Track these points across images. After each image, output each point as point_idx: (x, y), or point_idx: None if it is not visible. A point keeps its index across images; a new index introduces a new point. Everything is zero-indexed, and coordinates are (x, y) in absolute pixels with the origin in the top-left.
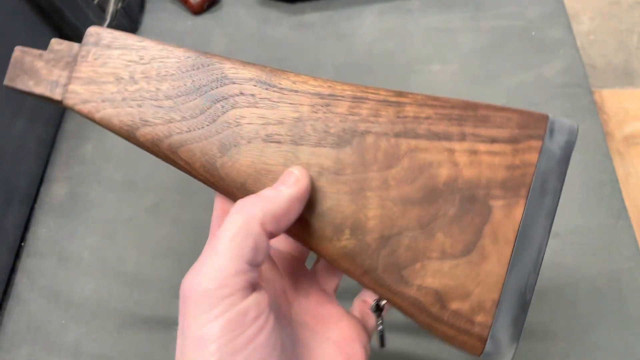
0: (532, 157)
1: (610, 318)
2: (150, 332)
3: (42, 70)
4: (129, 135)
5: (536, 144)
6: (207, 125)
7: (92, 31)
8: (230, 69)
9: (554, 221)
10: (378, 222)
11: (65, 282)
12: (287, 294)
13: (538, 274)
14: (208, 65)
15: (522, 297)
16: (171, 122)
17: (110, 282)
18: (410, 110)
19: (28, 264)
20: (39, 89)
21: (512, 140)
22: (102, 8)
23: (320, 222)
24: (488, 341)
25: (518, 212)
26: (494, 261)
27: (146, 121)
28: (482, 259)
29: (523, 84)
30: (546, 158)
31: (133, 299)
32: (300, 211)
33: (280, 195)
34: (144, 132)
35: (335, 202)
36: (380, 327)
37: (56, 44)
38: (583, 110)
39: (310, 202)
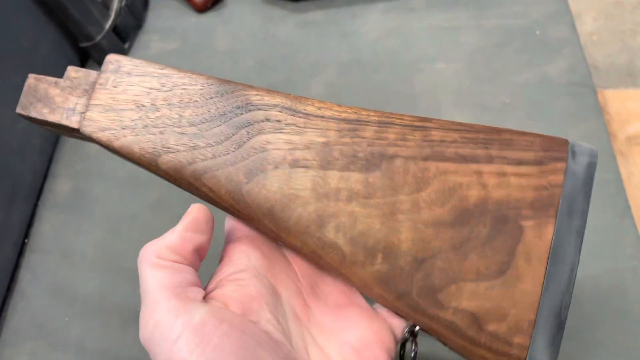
0: (558, 178)
1: (614, 316)
2: None
3: (57, 97)
4: (150, 163)
5: (561, 165)
6: (233, 151)
7: (112, 59)
8: (254, 96)
9: None
10: (411, 245)
11: (69, 278)
12: (304, 297)
13: (572, 294)
14: (232, 92)
15: (557, 317)
16: (195, 149)
17: (114, 278)
18: (436, 135)
19: (32, 260)
20: (54, 117)
21: (538, 163)
22: (106, 5)
23: (352, 246)
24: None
25: (549, 231)
26: (529, 281)
27: (168, 148)
28: (517, 280)
29: (527, 83)
30: (571, 179)
31: (137, 295)
32: (202, 238)
33: (173, 230)
34: (166, 159)
35: (367, 225)
36: (414, 352)
37: (73, 71)
38: (587, 110)
39: (342, 228)
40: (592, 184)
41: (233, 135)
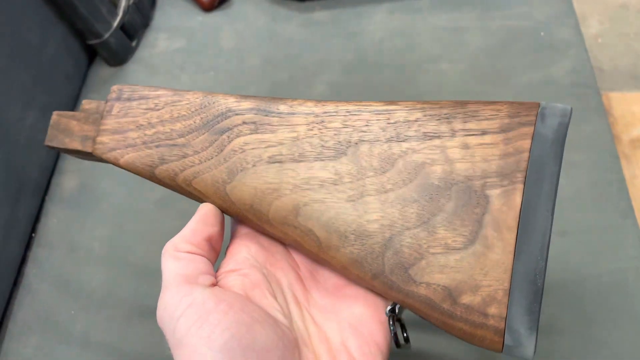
0: (525, 143)
1: (615, 315)
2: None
3: (74, 128)
4: (149, 173)
5: (528, 130)
6: (216, 155)
7: (115, 88)
8: (233, 103)
9: (562, 220)
10: (379, 226)
11: (74, 272)
12: (304, 283)
13: (547, 259)
14: (213, 103)
15: (533, 284)
16: (185, 157)
17: (120, 273)
18: (399, 116)
19: (38, 254)
20: (73, 145)
21: (503, 130)
22: (114, 3)
23: (326, 231)
24: (506, 334)
25: (517, 198)
26: (499, 250)
27: (163, 159)
28: (487, 249)
29: (531, 84)
30: (539, 142)
31: (142, 289)
32: (212, 229)
33: (187, 225)
34: (162, 169)
35: (337, 211)
36: (392, 329)
37: (86, 104)
38: (591, 111)
39: (314, 214)
40: (563, 145)
41: (215, 141)
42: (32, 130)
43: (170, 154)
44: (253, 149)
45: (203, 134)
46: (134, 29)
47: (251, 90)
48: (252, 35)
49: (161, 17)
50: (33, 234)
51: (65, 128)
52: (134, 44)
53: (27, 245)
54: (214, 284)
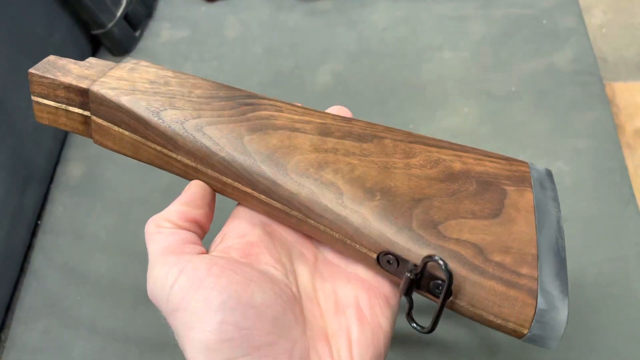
0: (525, 168)
1: (617, 302)
2: None
3: (73, 68)
4: (152, 117)
5: (525, 168)
6: (238, 115)
7: (132, 60)
8: (256, 94)
9: (563, 207)
10: (407, 189)
11: (80, 259)
12: (311, 239)
13: (564, 241)
14: (237, 90)
15: (557, 256)
16: (201, 110)
17: (125, 260)
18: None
19: (44, 241)
20: (66, 79)
21: (506, 159)
22: None
23: (350, 186)
24: (539, 295)
25: (529, 194)
26: (522, 223)
27: (174, 106)
28: (511, 222)
29: (534, 72)
30: (535, 172)
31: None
32: (198, 212)
33: (171, 205)
34: (170, 112)
35: (364, 171)
36: (409, 305)
37: (94, 59)
38: (594, 98)
39: (341, 171)
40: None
41: (238, 107)
42: None
43: (185, 105)
44: (278, 121)
45: (226, 101)
46: (138, 19)
47: (255, 80)
48: (256, 25)
49: (165, 7)
50: (39, 222)
51: (62, 67)
52: (137, 33)
53: (34, 233)
54: (203, 253)
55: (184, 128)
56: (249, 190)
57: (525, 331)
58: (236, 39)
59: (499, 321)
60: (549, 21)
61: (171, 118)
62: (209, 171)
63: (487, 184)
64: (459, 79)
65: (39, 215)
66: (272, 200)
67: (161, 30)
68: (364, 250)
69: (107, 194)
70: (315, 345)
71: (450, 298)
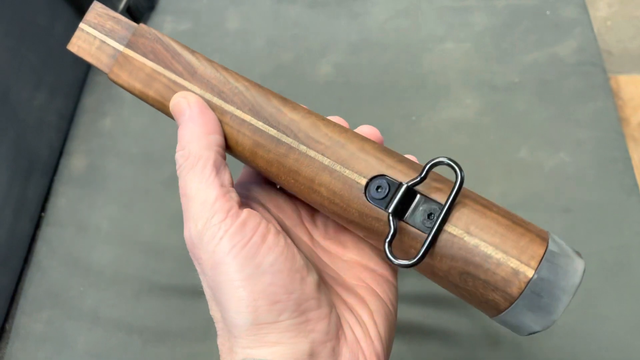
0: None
1: (618, 290)
2: (166, 298)
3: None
4: (183, 50)
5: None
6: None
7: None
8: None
9: (566, 197)
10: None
11: (84, 250)
12: (305, 224)
13: None
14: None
15: None
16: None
17: (128, 250)
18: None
19: (48, 233)
20: (122, 17)
21: None
22: None
23: (355, 134)
24: (550, 240)
25: None
26: None
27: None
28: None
29: (536, 63)
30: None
31: (150, 267)
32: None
33: (184, 129)
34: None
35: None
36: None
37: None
38: (597, 89)
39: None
40: None
41: None
42: (41, 111)
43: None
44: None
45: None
46: (140, 11)
47: (256, 72)
48: (257, 17)
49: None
50: (43, 213)
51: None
52: None
53: (37, 224)
54: (239, 202)
55: (212, 65)
56: (247, 117)
57: (531, 273)
58: (238, 31)
59: (498, 255)
60: (552, 12)
61: (204, 57)
62: (215, 99)
63: None
64: (461, 70)
65: (43, 207)
66: (270, 127)
67: (163, 22)
68: (354, 176)
69: (110, 186)
70: (342, 313)
71: (447, 223)
